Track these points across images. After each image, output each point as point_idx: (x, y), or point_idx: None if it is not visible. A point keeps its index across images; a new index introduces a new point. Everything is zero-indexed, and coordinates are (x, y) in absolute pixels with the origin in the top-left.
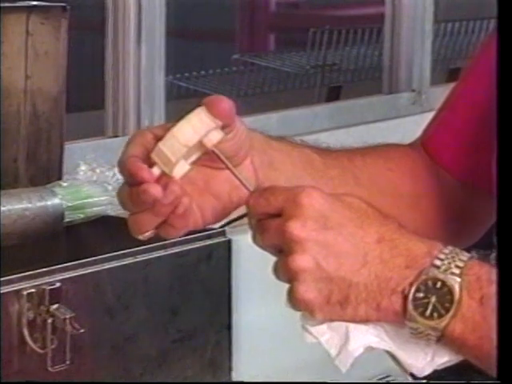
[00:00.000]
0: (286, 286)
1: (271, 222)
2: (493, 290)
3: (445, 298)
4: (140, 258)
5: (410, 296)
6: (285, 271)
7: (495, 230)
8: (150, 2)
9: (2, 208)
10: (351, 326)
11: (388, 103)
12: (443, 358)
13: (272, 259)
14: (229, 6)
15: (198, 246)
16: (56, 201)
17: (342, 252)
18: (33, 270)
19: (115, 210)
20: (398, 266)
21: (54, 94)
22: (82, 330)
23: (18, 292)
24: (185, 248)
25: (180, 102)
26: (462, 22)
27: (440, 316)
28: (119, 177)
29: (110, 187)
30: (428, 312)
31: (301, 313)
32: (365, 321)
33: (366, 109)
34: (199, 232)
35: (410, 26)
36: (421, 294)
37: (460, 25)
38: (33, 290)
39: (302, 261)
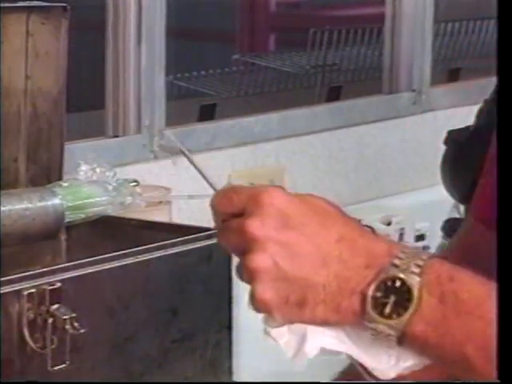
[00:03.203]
0: None
1: (233, 222)
2: (453, 287)
3: (404, 296)
4: (140, 258)
5: (369, 295)
6: (245, 271)
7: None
8: (150, 2)
9: (3, 208)
10: (309, 327)
11: (388, 103)
12: (408, 362)
13: None
14: (229, 6)
15: (198, 246)
16: (56, 201)
17: (302, 252)
18: (33, 270)
19: (115, 210)
20: (357, 266)
21: (54, 94)
22: (83, 330)
23: (18, 292)
24: (185, 248)
25: (180, 102)
26: (462, 22)
27: (399, 315)
28: (119, 177)
29: (110, 187)
30: (387, 311)
31: (263, 315)
32: (324, 322)
33: (367, 109)
34: (199, 232)
35: (410, 26)
36: (380, 294)
37: (460, 25)
38: (33, 290)
39: (259, 260)
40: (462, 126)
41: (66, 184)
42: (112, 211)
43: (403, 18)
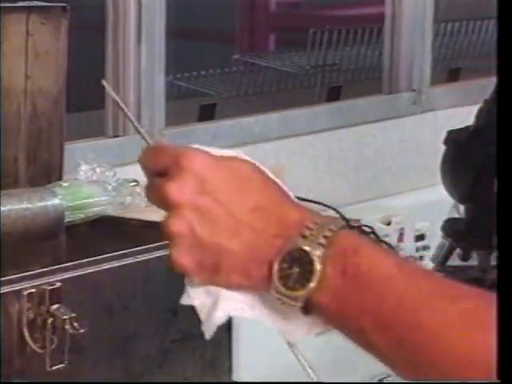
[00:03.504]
0: None
1: (155, 182)
2: (356, 260)
3: (307, 268)
4: (140, 257)
5: (275, 266)
6: (164, 233)
7: (495, 230)
8: (150, 1)
9: (3, 208)
10: (224, 292)
11: (388, 103)
12: (319, 327)
13: None
14: (229, 6)
15: None
16: (56, 201)
17: (216, 219)
18: (33, 270)
19: (115, 209)
20: (268, 235)
21: (54, 94)
22: (82, 330)
23: (18, 292)
24: None
25: (180, 102)
26: (462, 22)
27: (302, 286)
28: (119, 176)
29: (110, 187)
30: (290, 283)
31: (186, 276)
32: (238, 288)
33: (366, 109)
34: None
35: (410, 26)
36: (285, 265)
37: (460, 25)
38: (33, 290)
39: (176, 225)
40: (462, 126)
41: (65, 184)
42: (112, 211)
43: (403, 17)
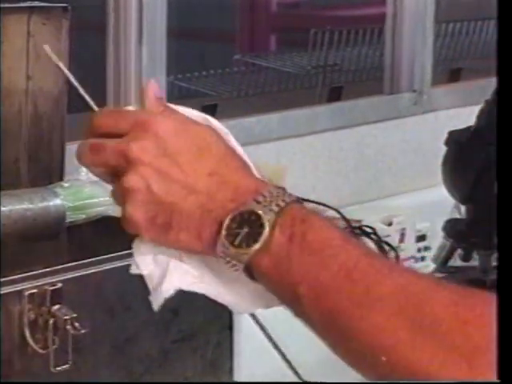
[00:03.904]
0: None
1: (109, 142)
2: (303, 228)
3: (256, 230)
4: None
5: (225, 223)
6: (118, 192)
7: (495, 230)
8: (151, 2)
9: (3, 208)
10: (173, 263)
11: (389, 103)
12: (262, 301)
13: None
14: (230, 7)
15: None
16: (57, 201)
17: (174, 179)
18: (34, 271)
19: (117, 210)
20: (222, 199)
21: (55, 95)
22: (84, 331)
23: (19, 292)
24: None
25: (181, 103)
26: (464, 23)
27: (248, 246)
28: None
29: (111, 188)
30: (237, 241)
31: (134, 242)
32: (188, 249)
33: (367, 109)
34: None
35: (412, 27)
36: (235, 225)
37: (461, 25)
38: (34, 291)
39: (133, 181)
40: (463, 126)
41: (67, 184)
42: (113, 211)
43: (404, 18)
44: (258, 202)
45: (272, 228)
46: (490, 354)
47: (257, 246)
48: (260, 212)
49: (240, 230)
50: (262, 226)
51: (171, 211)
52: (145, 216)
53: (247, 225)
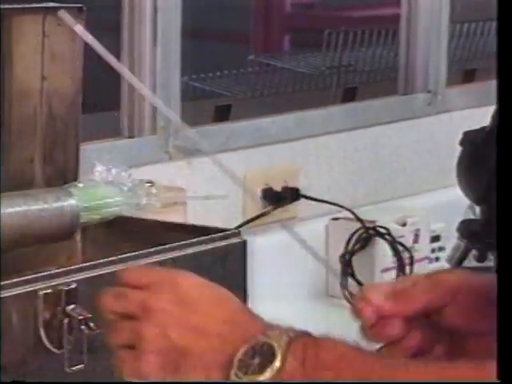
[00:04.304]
0: (302, 287)
1: (132, 291)
2: (316, 350)
3: (268, 359)
4: (155, 258)
5: (237, 358)
6: (129, 335)
7: (495, 230)
8: (165, 2)
9: (19, 209)
10: None
11: (403, 104)
12: None
13: (288, 261)
14: (244, 7)
15: (213, 246)
16: (72, 202)
17: (189, 325)
18: (49, 271)
19: (131, 210)
20: (234, 340)
21: (70, 96)
22: (98, 331)
23: (34, 292)
24: (200, 249)
25: (195, 103)
26: (478, 23)
27: (261, 373)
28: (135, 177)
29: (125, 188)
30: (250, 371)
31: None
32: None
33: (382, 110)
34: (215, 233)
35: (426, 27)
36: (247, 357)
37: (476, 25)
38: (49, 291)
39: (150, 330)
40: (478, 126)
41: (81, 185)
42: (127, 212)
43: (419, 18)
44: (268, 336)
45: (284, 355)
46: None
47: (268, 373)
48: (272, 342)
49: (252, 360)
50: (273, 354)
51: (183, 354)
52: (156, 360)
53: (259, 355)
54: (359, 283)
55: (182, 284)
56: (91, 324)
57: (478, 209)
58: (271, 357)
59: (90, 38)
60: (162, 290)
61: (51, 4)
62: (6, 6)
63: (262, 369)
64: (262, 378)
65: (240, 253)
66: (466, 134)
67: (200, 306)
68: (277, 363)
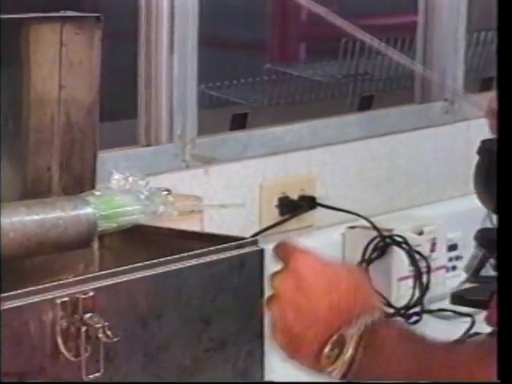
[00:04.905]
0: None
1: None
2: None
3: (342, 348)
4: (172, 267)
5: (325, 352)
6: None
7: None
8: (182, 11)
9: (36, 217)
10: None
11: (420, 112)
12: None
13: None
14: (260, 16)
15: (230, 255)
16: (89, 210)
17: (302, 310)
18: (67, 279)
19: (148, 218)
20: (333, 327)
21: (87, 104)
22: (116, 339)
23: (52, 300)
24: (217, 257)
25: (212, 111)
26: (495, 32)
27: (334, 362)
28: (152, 186)
29: (142, 196)
30: (330, 362)
31: None
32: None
33: (398, 118)
34: (231, 241)
35: (443, 35)
36: (331, 347)
37: (493, 34)
38: (67, 299)
39: (274, 312)
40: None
41: (98, 193)
42: (144, 220)
43: (436, 27)
44: (349, 327)
45: (355, 347)
46: None
47: (340, 363)
48: (346, 334)
49: (332, 352)
50: (346, 345)
51: (296, 339)
52: (281, 340)
53: (337, 347)
54: (376, 292)
55: (301, 269)
56: (108, 332)
57: (495, 217)
58: (344, 347)
59: None
60: (283, 271)
61: (69, 13)
62: (24, 16)
63: (335, 359)
64: (334, 367)
65: (257, 261)
66: (484, 143)
67: (313, 291)
68: (347, 355)
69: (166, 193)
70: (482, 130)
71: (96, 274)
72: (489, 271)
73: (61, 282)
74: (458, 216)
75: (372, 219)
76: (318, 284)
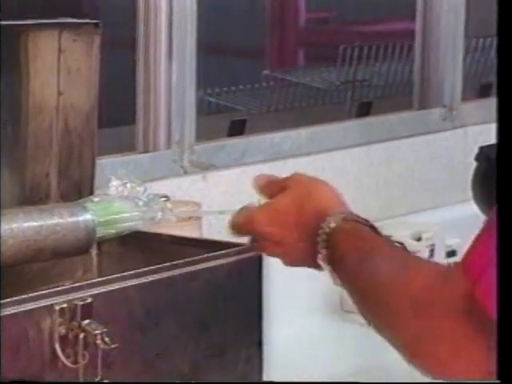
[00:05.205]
0: (317, 301)
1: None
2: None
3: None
4: (171, 273)
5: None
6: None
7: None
8: (180, 17)
9: (34, 223)
10: None
11: (418, 119)
12: None
13: (302, 276)
14: (259, 22)
15: (228, 261)
16: (87, 216)
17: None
18: (65, 286)
19: (146, 225)
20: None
21: (85, 110)
22: (114, 345)
23: (50, 307)
24: (216, 263)
25: (210, 118)
26: (493, 38)
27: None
28: (150, 192)
29: (140, 202)
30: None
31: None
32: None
33: (397, 125)
34: (230, 247)
35: (441, 42)
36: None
37: (491, 40)
38: (65, 305)
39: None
40: (494, 142)
41: (96, 199)
42: (143, 226)
43: (434, 33)
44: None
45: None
46: None
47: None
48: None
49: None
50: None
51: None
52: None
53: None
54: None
55: (281, 199)
56: (107, 339)
57: None
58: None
59: None
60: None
61: (67, 20)
62: (23, 22)
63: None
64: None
65: (255, 267)
66: (482, 149)
67: (285, 218)
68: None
69: (164, 199)
70: (480, 136)
71: (94, 280)
72: None
73: (59, 288)
74: (456, 222)
75: None
76: (291, 215)
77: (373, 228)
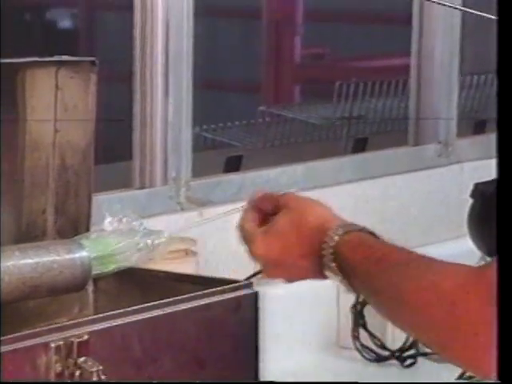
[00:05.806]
0: (313, 337)
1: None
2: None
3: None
4: (167, 310)
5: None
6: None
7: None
8: (177, 54)
9: (30, 261)
10: None
11: (414, 155)
12: None
13: (299, 311)
14: (255, 58)
15: (225, 298)
16: (84, 253)
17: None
18: (61, 323)
19: (142, 261)
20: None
21: (82, 147)
22: (110, 383)
23: (46, 344)
24: (212, 300)
25: (207, 154)
26: (488, 75)
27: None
28: (146, 227)
29: (136, 238)
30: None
31: None
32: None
33: (392, 160)
34: (226, 284)
35: (436, 78)
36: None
37: (486, 77)
38: (61, 343)
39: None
40: (489, 178)
41: (93, 236)
42: (139, 263)
43: (429, 70)
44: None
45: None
46: None
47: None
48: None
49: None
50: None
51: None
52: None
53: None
54: (371, 334)
55: (279, 221)
56: (103, 376)
57: (489, 260)
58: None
59: None
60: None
61: (64, 57)
62: (20, 60)
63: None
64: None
65: (251, 304)
66: (477, 186)
67: (285, 239)
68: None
69: (160, 235)
70: (475, 172)
71: (91, 317)
72: None
73: (55, 325)
74: (451, 258)
75: None
76: (290, 234)
77: (373, 234)
